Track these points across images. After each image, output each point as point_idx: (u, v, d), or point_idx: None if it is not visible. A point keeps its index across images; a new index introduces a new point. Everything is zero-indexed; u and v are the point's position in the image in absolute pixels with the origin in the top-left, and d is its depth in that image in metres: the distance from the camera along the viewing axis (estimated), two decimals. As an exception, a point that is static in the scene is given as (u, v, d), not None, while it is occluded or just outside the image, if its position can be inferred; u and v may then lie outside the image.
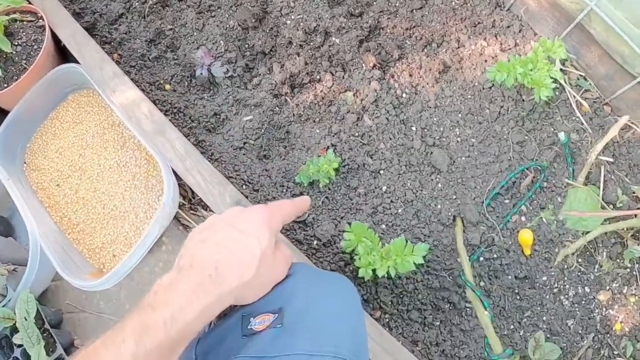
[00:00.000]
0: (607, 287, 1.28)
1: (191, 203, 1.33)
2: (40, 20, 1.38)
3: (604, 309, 1.27)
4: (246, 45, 1.44)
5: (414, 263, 1.08)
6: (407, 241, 1.10)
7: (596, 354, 1.25)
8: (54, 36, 1.38)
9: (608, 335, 1.26)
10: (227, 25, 1.46)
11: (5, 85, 1.31)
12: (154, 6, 1.49)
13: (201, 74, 1.38)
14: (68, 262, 1.27)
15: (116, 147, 1.38)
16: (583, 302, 1.27)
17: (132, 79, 1.34)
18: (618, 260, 1.29)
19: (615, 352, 1.24)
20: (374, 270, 1.10)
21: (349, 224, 1.14)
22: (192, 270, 0.63)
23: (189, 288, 0.61)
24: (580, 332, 1.25)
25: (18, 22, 1.38)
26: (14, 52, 1.33)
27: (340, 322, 0.73)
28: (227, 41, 1.43)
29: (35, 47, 1.36)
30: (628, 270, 1.28)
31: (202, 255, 0.66)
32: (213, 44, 1.44)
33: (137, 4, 1.50)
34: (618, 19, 1.23)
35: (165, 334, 0.57)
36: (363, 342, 0.76)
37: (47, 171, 1.40)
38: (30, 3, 1.38)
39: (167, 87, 1.41)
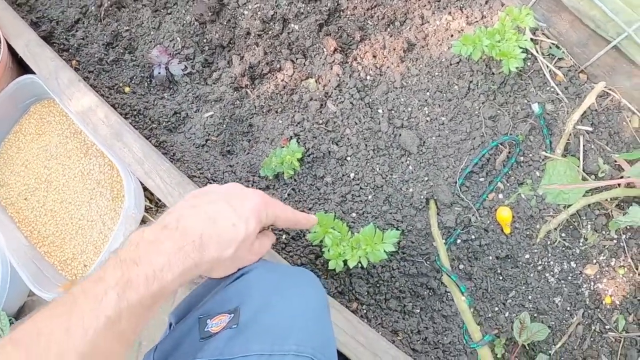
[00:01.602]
0: (594, 261, 1.31)
1: (158, 206, 1.41)
2: None
3: (593, 283, 1.30)
4: (204, 40, 1.51)
5: (385, 251, 1.13)
6: (376, 229, 1.15)
7: (587, 330, 1.29)
8: (11, 48, 1.46)
9: (598, 310, 1.30)
10: (184, 21, 1.53)
11: None
12: (110, 9, 1.58)
13: (159, 73, 1.45)
14: (40, 277, 1.35)
15: (79, 156, 1.46)
16: (570, 277, 1.31)
17: (91, 85, 1.42)
18: (604, 232, 1.32)
19: (607, 327, 1.29)
20: (345, 262, 1.15)
21: (325, 212, 1.20)
22: (177, 233, 0.67)
23: (172, 250, 0.65)
24: (568, 309, 1.29)
25: None
26: None
27: (302, 318, 0.76)
28: (184, 37, 1.50)
29: None
30: (615, 241, 1.32)
31: (189, 220, 0.70)
32: (170, 41, 1.51)
33: (92, 7, 1.59)
34: None
35: (147, 289, 0.62)
36: (329, 338, 0.80)
37: (15, 186, 1.48)
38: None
39: (127, 89, 1.49)
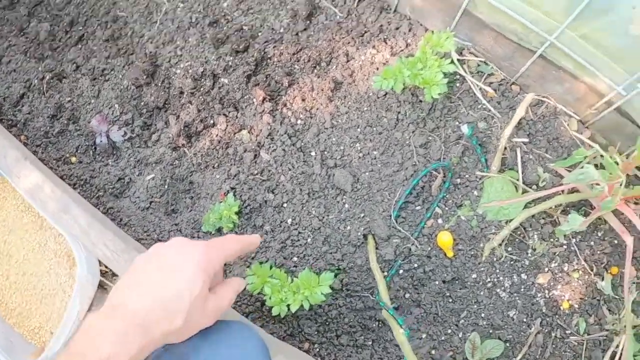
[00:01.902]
0: (546, 269, 1.37)
1: (114, 272, 1.50)
2: None
3: (547, 291, 1.36)
4: (142, 103, 1.61)
5: (323, 293, 1.22)
6: (312, 273, 1.23)
7: (548, 338, 1.34)
8: None
9: (557, 316, 1.35)
10: (122, 86, 1.63)
11: None
12: (51, 81, 1.68)
13: (101, 141, 1.55)
14: (10, 348, 1.46)
15: (35, 229, 1.56)
16: (522, 289, 1.37)
17: (40, 158, 1.53)
18: (552, 239, 1.38)
19: (568, 332, 1.34)
20: (288, 306, 1.24)
21: (260, 263, 1.29)
22: (120, 318, 0.71)
23: (117, 337, 0.69)
24: (525, 320, 1.35)
25: None
26: None
27: None
28: (122, 103, 1.60)
29: None
30: (565, 247, 1.37)
31: (132, 300, 0.74)
32: (109, 108, 1.61)
33: (36, 81, 1.69)
34: None
35: None
36: None
37: None
38: None
39: (73, 159, 1.59)
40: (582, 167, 1.19)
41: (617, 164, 1.24)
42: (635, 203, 1.36)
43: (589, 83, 1.35)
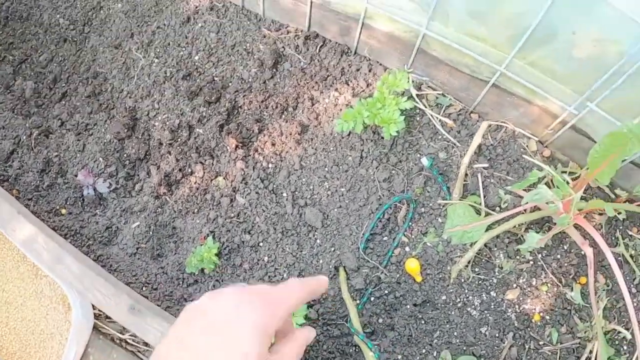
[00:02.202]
0: (514, 285, 1.52)
1: (106, 315, 1.66)
2: None
3: (517, 306, 1.51)
4: (124, 155, 1.77)
5: (298, 324, 1.38)
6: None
7: (522, 350, 1.48)
8: None
9: (529, 329, 1.50)
10: (105, 140, 1.80)
11: None
12: (39, 137, 1.84)
13: (88, 193, 1.71)
14: (12, 391, 1.61)
15: (31, 277, 1.71)
16: (492, 306, 1.52)
17: (32, 211, 1.68)
18: (518, 257, 1.53)
19: (541, 342, 1.48)
20: (267, 337, 1.40)
21: None
22: None
23: None
24: (497, 335, 1.50)
25: None
26: None
27: None
28: (106, 156, 1.77)
29: None
30: (531, 262, 1.52)
31: None
32: (94, 161, 1.78)
33: (24, 137, 1.85)
34: (451, 35, 1.51)
35: None
36: None
37: None
38: None
39: (63, 211, 1.75)
40: (537, 188, 1.33)
41: (568, 183, 1.41)
42: (600, 214, 1.54)
43: (541, 106, 1.52)
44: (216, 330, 0.69)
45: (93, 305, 1.61)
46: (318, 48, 1.81)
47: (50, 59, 2.01)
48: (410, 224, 1.59)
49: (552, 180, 1.49)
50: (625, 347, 1.46)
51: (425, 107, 1.70)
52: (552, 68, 1.39)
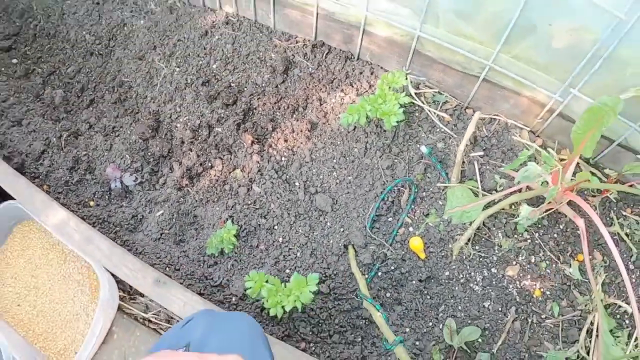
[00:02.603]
0: (514, 262, 1.70)
1: (130, 294, 1.84)
2: None
3: (518, 282, 1.69)
4: (149, 153, 2.00)
5: (311, 292, 1.57)
6: (301, 276, 1.59)
7: (525, 323, 1.65)
8: None
9: (530, 303, 1.67)
10: (130, 140, 2.03)
11: None
12: (68, 138, 2.07)
13: (115, 186, 1.93)
14: (38, 369, 1.77)
15: (60, 263, 1.90)
16: (494, 282, 1.70)
17: (62, 203, 1.89)
18: (516, 236, 1.72)
19: (544, 316, 1.66)
20: (283, 307, 1.59)
21: (248, 274, 1.64)
22: None
23: None
24: (500, 309, 1.67)
25: None
26: None
27: (236, 345, 1.16)
28: (132, 154, 1.99)
29: None
30: (529, 241, 1.71)
31: None
32: (121, 159, 2.00)
33: (54, 139, 2.08)
34: (443, 35, 1.77)
35: None
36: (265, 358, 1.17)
37: (7, 296, 1.91)
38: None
39: (92, 203, 1.96)
40: (526, 166, 1.54)
41: (549, 152, 1.62)
42: (593, 196, 1.75)
43: (530, 96, 1.77)
44: None
45: (121, 282, 1.79)
46: (324, 55, 2.07)
47: (77, 71, 2.26)
48: (412, 206, 1.80)
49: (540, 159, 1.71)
50: (627, 321, 1.63)
51: (424, 103, 1.94)
52: (535, 59, 1.64)
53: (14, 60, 2.38)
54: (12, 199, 1.88)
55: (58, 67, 2.31)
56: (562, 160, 1.76)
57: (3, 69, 2.36)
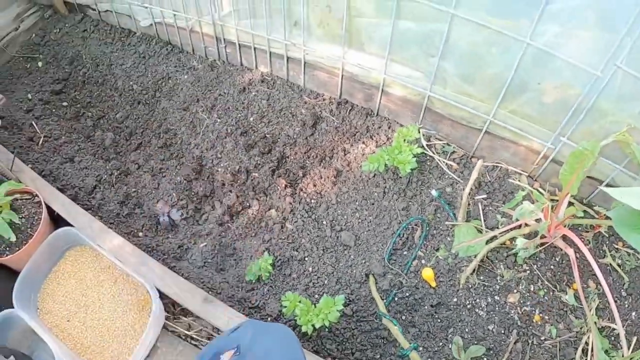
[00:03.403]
0: (515, 290, 2.10)
1: (174, 314, 2.24)
2: (36, 198, 2.33)
3: (519, 308, 2.08)
4: (193, 193, 2.44)
5: (338, 311, 1.98)
6: (329, 297, 2.00)
7: (525, 344, 2.03)
8: (48, 208, 2.33)
9: (530, 327, 2.05)
10: (176, 181, 2.46)
11: (17, 249, 2.22)
12: (119, 176, 2.50)
13: (164, 220, 2.35)
14: (86, 381, 2.14)
15: (110, 284, 2.29)
16: (497, 308, 2.09)
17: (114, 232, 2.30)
18: (516, 267, 2.14)
19: (542, 338, 2.03)
20: (313, 325, 1.99)
21: (285, 295, 2.05)
22: None
23: None
24: (503, 332, 2.06)
25: (19, 200, 2.33)
26: (20, 223, 2.27)
27: (279, 351, 1.59)
28: (178, 193, 2.43)
29: (35, 217, 2.29)
30: (528, 271, 2.13)
31: None
32: (168, 196, 2.43)
33: (105, 176, 2.51)
34: (450, 95, 2.25)
35: None
36: None
37: (58, 312, 2.27)
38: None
39: (140, 234, 2.37)
40: (521, 204, 1.98)
41: (542, 192, 2.07)
42: (587, 231, 2.17)
43: (526, 145, 2.23)
44: None
45: (166, 304, 2.19)
46: (348, 111, 2.56)
47: (126, 117, 2.72)
48: (424, 241, 2.24)
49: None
50: (620, 343, 1.96)
51: (434, 153, 2.42)
52: (529, 113, 2.11)
53: (64, 103, 2.85)
54: (64, 226, 2.27)
55: (107, 113, 2.77)
56: (555, 200, 2.20)
57: (54, 110, 2.82)
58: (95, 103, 2.82)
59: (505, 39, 1.90)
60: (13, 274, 2.30)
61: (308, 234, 2.29)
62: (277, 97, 2.66)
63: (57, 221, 2.36)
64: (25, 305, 2.21)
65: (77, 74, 2.94)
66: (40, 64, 3.14)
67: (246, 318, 2.02)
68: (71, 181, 2.50)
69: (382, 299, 2.15)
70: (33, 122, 2.74)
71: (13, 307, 2.14)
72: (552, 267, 2.14)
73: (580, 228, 2.20)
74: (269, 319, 2.13)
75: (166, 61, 2.91)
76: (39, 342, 2.24)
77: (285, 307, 2.01)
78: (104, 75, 2.91)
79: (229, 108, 2.66)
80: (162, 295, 2.13)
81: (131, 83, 2.84)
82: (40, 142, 2.67)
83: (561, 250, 2.13)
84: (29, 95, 2.91)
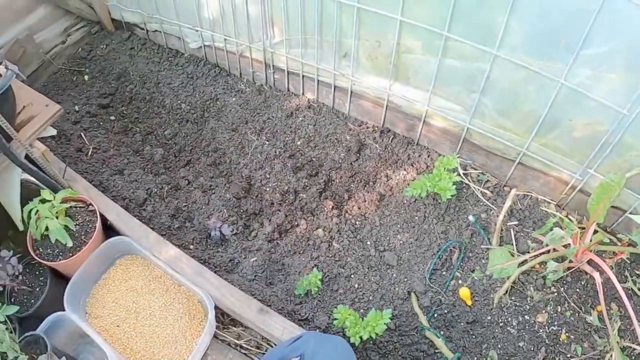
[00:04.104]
0: (543, 311, 2.37)
1: (224, 324, 2.47)
2: (90, 206, 2.56)
3: (547, 327, 2.35)
4: (242, 210, 2.69)
5: (385, 324, 2.22)
6: (377, 311, 2.25)
7: None
8: (101, 216, 2.55)
9: (557, 345, 2.32)
10: (225, 198, 2.72)
11: (70, 254, 2.44)
12: (170, 191, 2.75)
13: (215, 234, 2.60)
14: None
15: (161, 293, 2.52)
16: (527, 327, 2.36)
17: (165, 245, 2.54)
18: (544, 289, 2.42)
19: (568, 355, 2.30)
20: (360, 337, 2.23)
21: (336, 308, 2.30)
22: None
23: None
24: (532, 349, 2.32)
25: (74, 208, 2.55)
26: (74, 230, 2.49)
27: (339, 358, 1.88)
28: (228, 209, 2.68)
29: (89, 225, 2.52)
30: (556, 293, 2.41)
31: None
32: (218, 212, 2.68)
33: (155, 189, 2.75)
34: (487, 128, 2.55)
35: None
36: None
37: (107, 317, 2.49)
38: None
39: (192, 247, 2.61)
40: (552, 231, 2.26)
41: (571, 220, 2.35)
42: (610, 258, 2.44)
43: (556, 176, 2.52)
44: None
45: (220, 313, 2.42)
46: (390, 139, 2.86)
47: (174, 134, 2.98)
48: (461, 263, 2.51)
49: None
50: None
51: (470, 182, 2.71)
52: (560, 146, 2.41)
53: (112, 117, 3.12)
54: (113, 235, 2.49)
55: (155, 129, 3.04)
56: (582, 228, 2.47)
57: (102, 123, 3.09)
58: (143, 119, 3.08)
59: (542, 78, 2.18)
60: (62, 278, 2.51)
61: (353, 253, 2.55)
62: (323, 123, 2.94)
63: (107, 230, 2.58)
64: (75, 309, 2.39)
65: (124, 89, 3.21)
66: (86, 77, 3.42)
67: (301, 329, 2.26)
68: (121, 193, 2.74)
69: (424, 314, 2.40)
70: (82, 134, 2.99)
71: (63, 310, 2.33)
72: (577, 289, 2.40)
73: (604, 254, 2.47)
74: (317, 330, 2.37)
75: (214, 83, 3.19)
76: (85, 345, 2.46)
77: (337, 319, 2.26)
78: (152, 92, 3.18)
79: (276, 131, 2.94)
80: (215, 305, 2.35)
81: (179, 102, 3.11)
82: (89, 153, 2.92)
83: (586, 274, 2.39)
84: (76, 107, 3.18)
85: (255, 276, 2.54)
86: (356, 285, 2.49)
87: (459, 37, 2.27)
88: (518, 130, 2.46)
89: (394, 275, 2.52)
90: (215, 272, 2.51)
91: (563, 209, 2.63)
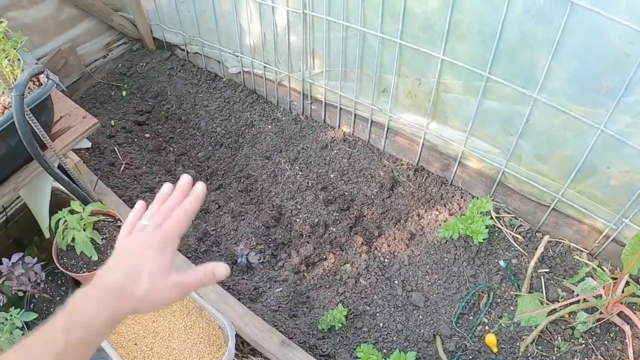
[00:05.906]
0: None
1: (243, 353, 2.59)
2: (119, 222, 2.70)
3: None
4: (270, 239, 2.83)
5: (405, 367, 2.34)
6: (401, 353, 2.35)
7: None
8: None
9: None
10: (254, 225, 2.86)
11: (94, 268, 2.56)
12: (199, 213, 2.89)
13: (241, 261, 2.73)
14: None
15: (182, 315, 2.65)
16: None
17: (190, 270, 2.68)
18: (572, 340, 2.50)
19: None
20: (381, 378, 2.35)
21: (359, 346, 2.41)
22: (102, 288, 1.05)
23: (97, 301, 1.02)
24: None
25: (102, 221, 2.70)
26: (100, 244, 2.63)
27: None
28: (256, 237, 2.82)
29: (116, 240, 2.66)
30: (583, 345, 2.49)
31: (109, 278, 1.07)
32: (246, 239, 2.82)
33: (184, 214, 2.89)
34: (523, 172, 2.66)
35: (85, 332, 0.97)
36: None
37: (125, 334, 2.62)
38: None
39: (217, 272, 2.74)
40: (584, 281, 2.36)
41: (604, 270, 2.44)
42: (639, 310, 2.51)
43: (589, 224, 2.61)
44: (135, 257, 1.11)
45: (239, 342, 2.54)
46: (424, 178, 2.99)
47: (208, 157, 3.15)
48: (489, 308, 2.61)
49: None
50: None
51: (502, 226, 2.82)
52: (596, 194, 2.50)
53: (147, 135, 3.30)
54: None
55: (189, 150, 3.21)
56: (614, 278, 2.55)
57: (136, 140, 3.27)
58: (178, 139, 3.26)
59: (581, 124, 2.25)
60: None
61: (380, 291, 2.66)
62: (357, 157, 3.08)
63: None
64: (94, 323, 2.54)
65: (161, 108, 3.40)
66: (124, 93, 3.64)
67: (322, 364, 2.38)
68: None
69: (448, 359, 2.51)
70: (116, 148, 3.18)
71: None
72: (606, 342, 2.48)
73: (634, 306, 2.54)
74: (341, 366, 2.49)
75: (250, 109, 3.37)
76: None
77: (359, 357, 2.37)
78: (188, 113, 3.36)
79: (310, 162, 3.09)
80: (237, 334, 2.48)
81: (215, 125, 3.29)
82: (122, 168, 3.10)
83: (616, 326, 2.46)
84: (112, 122, 3.38)
85: (279, 307, 2.66)
86: (381, 325, 2.60)
87: (500, 79, 2.38)
88: (554, 175, 2.56)
89: (420, 316, 2.62)
90: (238, 299, 2.64)
91: (595, 257, 2.72)
